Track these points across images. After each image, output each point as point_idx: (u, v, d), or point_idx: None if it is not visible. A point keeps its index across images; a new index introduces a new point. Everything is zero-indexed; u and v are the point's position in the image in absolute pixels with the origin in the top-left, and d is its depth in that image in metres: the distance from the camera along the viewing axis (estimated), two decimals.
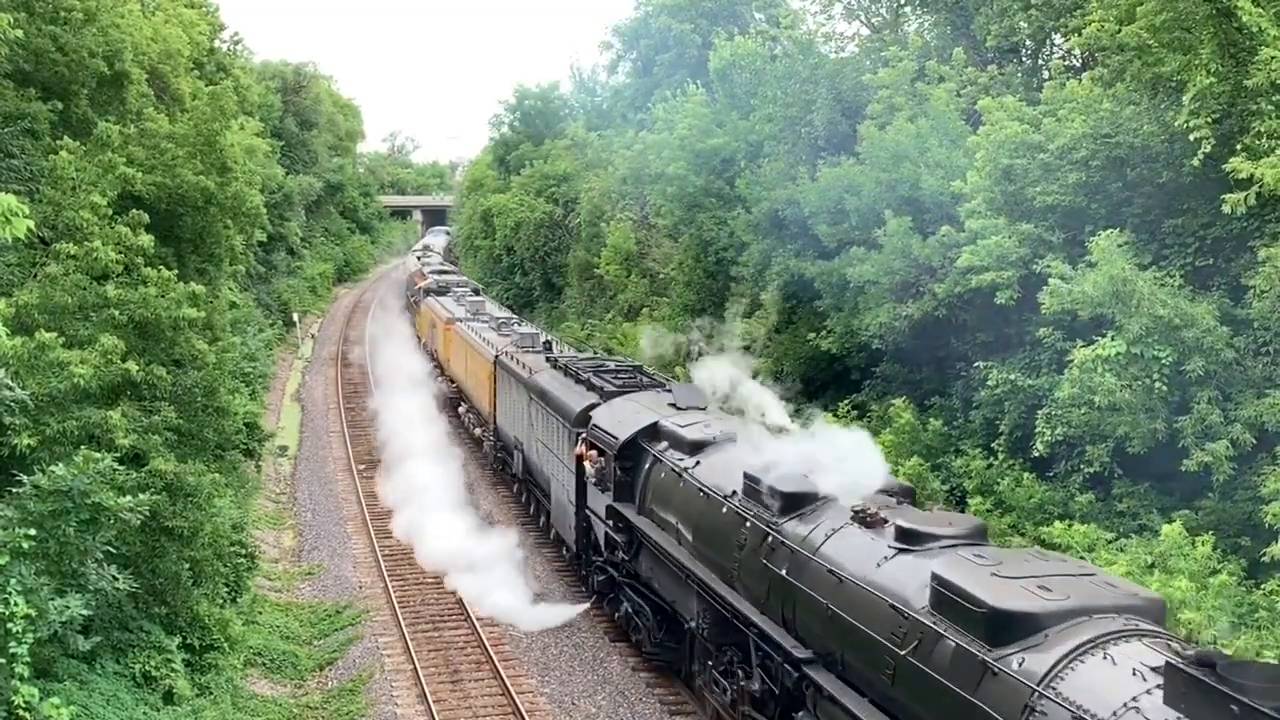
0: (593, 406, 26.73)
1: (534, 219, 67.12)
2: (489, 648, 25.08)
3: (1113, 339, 21.96)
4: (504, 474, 38.18)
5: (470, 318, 48.70)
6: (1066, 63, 32.68)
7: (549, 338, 40.22)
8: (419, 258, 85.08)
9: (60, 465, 15.53)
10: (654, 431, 23.76)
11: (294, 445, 44.63)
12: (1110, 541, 21.38)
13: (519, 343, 38.19)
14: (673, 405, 24.61)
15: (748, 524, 18.67)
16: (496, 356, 37.33)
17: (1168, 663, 10.92)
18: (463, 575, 28.64)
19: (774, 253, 36.01)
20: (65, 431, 17.38)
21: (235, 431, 25.77)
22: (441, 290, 60.26)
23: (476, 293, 61.38)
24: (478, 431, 42.15)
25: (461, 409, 45.98)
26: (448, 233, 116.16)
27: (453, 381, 48.15)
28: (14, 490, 15.68)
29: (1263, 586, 19.28)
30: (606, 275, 54.62)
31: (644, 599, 23.65)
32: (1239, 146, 21.30)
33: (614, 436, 24.30)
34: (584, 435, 26.03)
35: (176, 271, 21.88)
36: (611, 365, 31.76)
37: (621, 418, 24.97)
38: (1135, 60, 24.21)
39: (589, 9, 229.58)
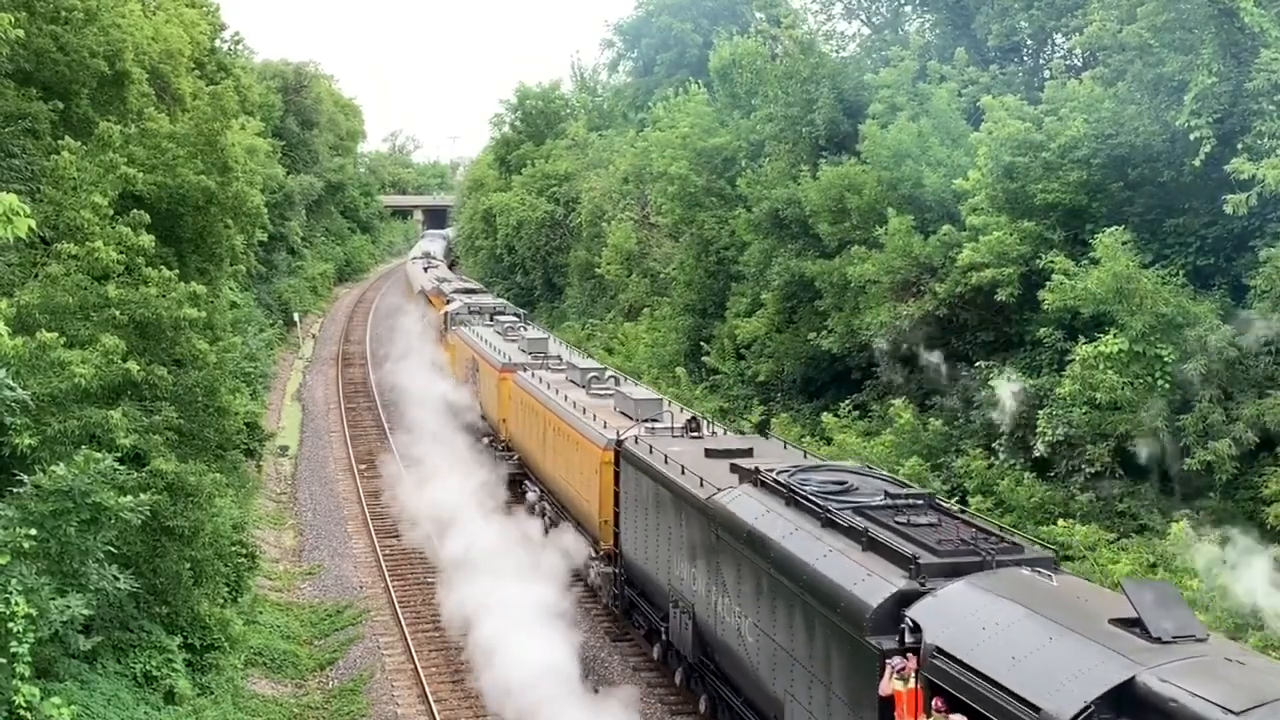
0: (908, 598, 14.17)
1: (535, 218, 67.15)
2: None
3: (1115, 336, 21.98)
4: (629, 619, 25.45)
5: (536, 363, 35.85)
6: (1068, 62, 32.71)
7: (695, 414, 26.87)
8: (425, 269, 72.07)
9: (61, 465, 15.54)
10: (1137, 707, 11.34)
11: (294, 445, 44.63)
12: (1111, 541, 21.38)
13: (638, 414, 26.53)
14: (1136, 629, 12.23)
15: None
16: (621, 445, 24.46)
17: None
18: None
19: (775, 252, 36.01)
20: (66, 431, 17.39)
21: (236, 431, 25.76)
22: (475, 315, 46.99)
23: (518, 317, 48.19)
24: (568, 540, 27.12)
25: (531, 495, 32.43)
26: (444, 236, 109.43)
27: (510, 449, 35.41)
28: (15, 490, 15.70)
29: None
30: (607, 275, 54.61)
31: None
32: (1240, 146, 21.34)
33: (1029, 704, 11.80)
34: (900, 663, 13.76)
35: (177, 271, 21.88)
36: (859, 484, 18.30)
37: (1014, 643, 12.68)
38: (1137, 60, 24.23)
39: (590, 8, 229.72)
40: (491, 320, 46.00)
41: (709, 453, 21.81)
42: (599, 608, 26.98)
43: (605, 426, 26.30)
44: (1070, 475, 23.76)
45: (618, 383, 31.77)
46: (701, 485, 20.06)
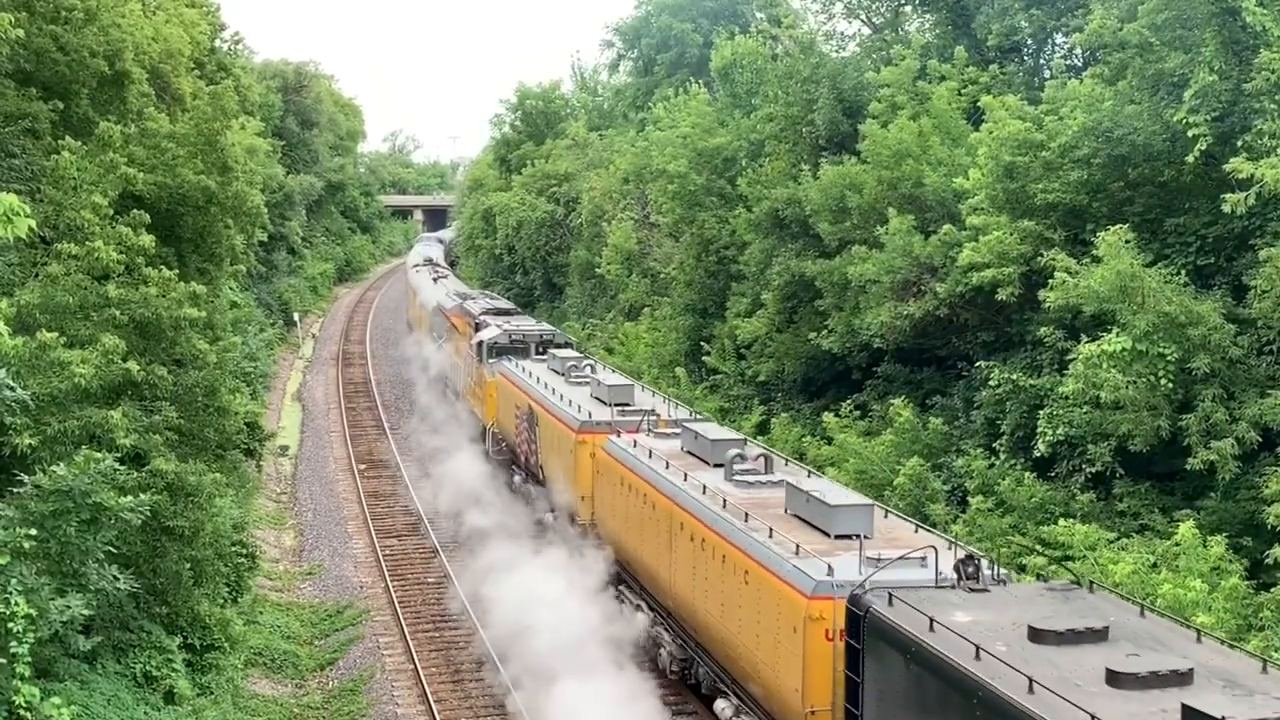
0: None
1: (535, 218, 67.11)
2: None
3: (1118, 335, 21.95)
4: None
5: (627, 421, 26.87)
6: (1068, 62, 32.74)
7: (968, 549, 16.83)
8: (435, 279, 60.58)
9: (61, 465, 15.54)
10: None
11: (295, 445, 44.63)
12: (1112, 541, 21.36)
13: (836, 528, 17.86)
14: None
15: None
16: (865, 608, 14.78)
17: None
18: None
19: (775, 252, 35.99)
20: (66, 431, 17.38)
21: (236, 431, 25.73)
22: (519, 347, 37.21)
23: (572, 346, 38.74)
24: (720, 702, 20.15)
25: (643, 618, 23.24)
26: (440, 239, 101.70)
27: (595, 527, 26.23)
28: (15, 490, 15.70)
29: (1271, 590, 19.24)
30: (607, 275, 54.57)
31: None
32: (1239, 145, 21.34)
33: None
34: None
35: (177, 271, 21.86)
36: None
37: None
38: (1137, 58, 24.24)
39: (590, 9, 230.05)
40: (544, 354, 35.80)
41: (1037, 636, 13.02)
42: None
43: (799, 554, 17.22)
44: (1071, 475, 23.75)
45: (768, 464, 22.20)
46: None
